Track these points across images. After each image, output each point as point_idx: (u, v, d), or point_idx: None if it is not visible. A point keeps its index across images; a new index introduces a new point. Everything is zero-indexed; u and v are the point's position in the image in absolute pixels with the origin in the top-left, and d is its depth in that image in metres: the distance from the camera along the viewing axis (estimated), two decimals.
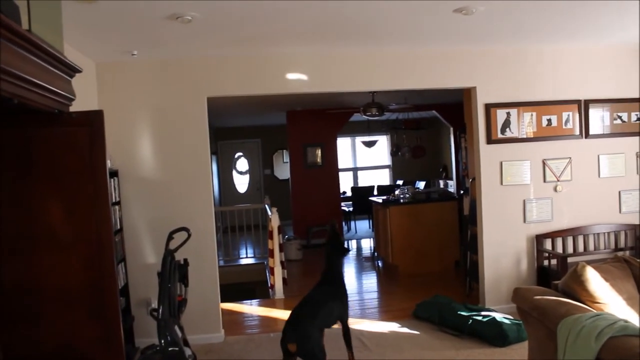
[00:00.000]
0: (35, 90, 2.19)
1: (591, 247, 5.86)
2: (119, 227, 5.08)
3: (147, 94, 5.30)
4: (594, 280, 3.21)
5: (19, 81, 2.01)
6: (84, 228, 2.62)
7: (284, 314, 6.24)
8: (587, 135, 5.82)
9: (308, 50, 5.29)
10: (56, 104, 2.46)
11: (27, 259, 2.59)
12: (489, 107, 5.64)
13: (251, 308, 6.69)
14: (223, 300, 5.70)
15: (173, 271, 4.42)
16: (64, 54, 2.51)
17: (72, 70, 2.60)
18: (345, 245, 4.64)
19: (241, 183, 14.87)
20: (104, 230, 2.62)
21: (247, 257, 9.61)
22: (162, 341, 4.26)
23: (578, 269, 3.27)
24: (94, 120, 2.66)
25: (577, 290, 3.24)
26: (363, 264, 9.32)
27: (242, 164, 14.87)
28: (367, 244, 10.94)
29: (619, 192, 5.90)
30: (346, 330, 4.40)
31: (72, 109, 2.67)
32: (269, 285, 7.43)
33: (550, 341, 3.06)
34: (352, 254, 10.20)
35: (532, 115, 5.71)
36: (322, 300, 4.16)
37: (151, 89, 5.30)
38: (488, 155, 5.69)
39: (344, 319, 4.37)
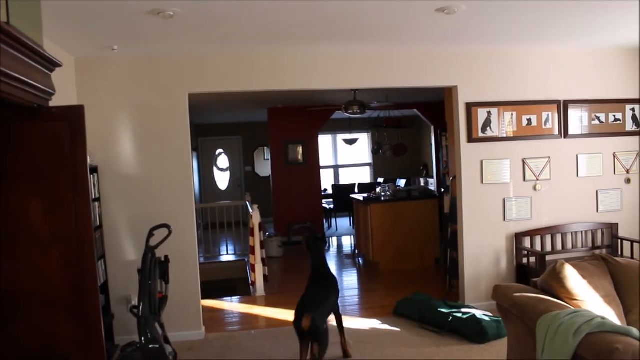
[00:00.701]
0: (14, 84, 2.15)
1: (569, 245, 5.94)
2: (98, 223, 5.03)
3: (127, 89, 5.24)
4: (573, 278, 3.25)
5: None
6: (64, 225, 2.57)
7: (264, 311, 6.25)
8: (566, 135, 5.90)
9: (290, 48, 5.28)
10: (36, 98, 2.42)
11: (6, 257, 2.54)
12: (470, 106, 5.69)
13: (232, 305, 6.66)
14: (204, 297, 5.68)
15: (154, 268, 4.39)
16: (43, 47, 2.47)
17: (52, 64, 2.55)
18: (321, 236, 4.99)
19: (222, 180, 14.80)
20: (84, 227, 2.57)
21: (227, 254, 9.57)
22: (143, 338, 4.23)
23: (557, 267, 3.31)
24: (74, 115, 2.62)
25: (556, 287, 3.28)
26: (344, 261, 9.34)
27: (223, 160, 14.80)
28: (348, 241, 10.96)
29: (597, 192, 6.00)
30: (340, 318, 4.75)
31: (50, 104, 2.63)
32: (250, 282, 7.42)
33: (530, 337, 3.10)
34: (333, 251, 10.22)
35: (512, 114, 5.77)
36: (322, 293, 4.49)
37: (132, 84, 5.24)
38: (469, 154, 5.74)
39: (337, 308, 4.74)
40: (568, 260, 3.44)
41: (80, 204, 2.59)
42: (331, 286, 4.67)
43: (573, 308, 3.08)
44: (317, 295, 4.42)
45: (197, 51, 5.21)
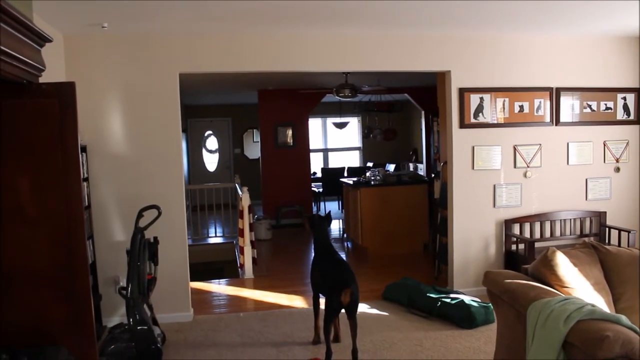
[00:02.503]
0: (3, 59, 2.09)
1: (557, 232, 5.98)
2: (87, 203, 4.97)
3: (117, 68, 5.15)
4: (563, 265, 3.27)
5: None
6: (54, 203, 2.52)
7: (253, 294, 6.25)
8: (557, 122, 5.91)
9: (282, 29, 5.21)
10: (25, 74, 2.36)
11: None
12: (463, 92, 5.67)
13: (220, 287, 6.65)
14: (192, 280, 5.66)
15: (143, 249, 4.36)
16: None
17: (42, 39, 2.49)
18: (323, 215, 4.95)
19: (210, 162, 14.72)
20: (74, 206, 2.52)
21: (216, 237, 9.54)
22: (131, 320, 4.21)
23: (548, 254, 3.32)
24: (65, 91, 2.55)
25: (547, 274, 3.29)
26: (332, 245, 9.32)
27: (212, 142, 14.71)
28: (337, 225, 10.96)
29: (586, 180, 6.03)
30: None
31: (39, 81, 2.57)
32: (239, 264, 7.40)
33: (519, 324, 3.11)
34: None
35: (504, 101, 5.76)
36: (345, 267, 4.54)
37: (122, 63, 5.15)
38: (460, 140, 5.73)
39: None
40: (557, 248, 3.45)
41: (70, 182, 2.54)
42: (344, 262, 4.69)
43: (564, 295, 3.10)
44: (345, 271, 4.40)
45: (188, 31, 5.13)
